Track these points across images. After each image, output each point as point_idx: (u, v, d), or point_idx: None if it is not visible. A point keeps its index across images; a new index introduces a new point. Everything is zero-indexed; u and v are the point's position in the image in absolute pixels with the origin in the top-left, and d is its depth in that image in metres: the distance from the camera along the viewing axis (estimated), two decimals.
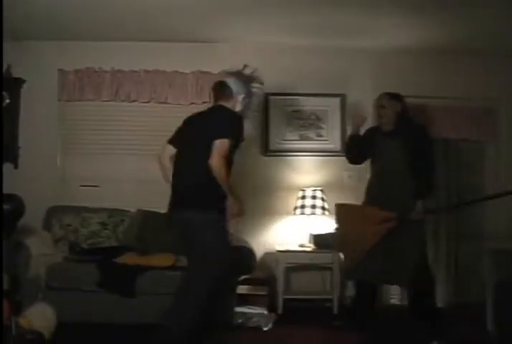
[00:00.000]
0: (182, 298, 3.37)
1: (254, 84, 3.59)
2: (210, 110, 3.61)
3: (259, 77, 3.64)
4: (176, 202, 3.45)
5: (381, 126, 4.21)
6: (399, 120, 4.12)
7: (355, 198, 4.40)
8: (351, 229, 4.01)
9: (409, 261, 3.87)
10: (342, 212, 4.19)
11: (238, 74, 3.60)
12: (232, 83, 3.54)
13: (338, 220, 4.19)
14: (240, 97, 3.53)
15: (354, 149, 4.33)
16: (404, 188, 3.98)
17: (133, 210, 4.82)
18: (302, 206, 4.84)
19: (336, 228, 4.21)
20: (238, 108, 3.53)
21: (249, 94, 3.55)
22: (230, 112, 3.48)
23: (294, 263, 4.79)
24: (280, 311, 4.64)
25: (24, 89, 4.98)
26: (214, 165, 3.26)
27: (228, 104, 3.53)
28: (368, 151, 4.23)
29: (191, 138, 3.47)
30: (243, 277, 4.31)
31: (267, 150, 5.11)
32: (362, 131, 4.37)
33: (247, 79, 3.57)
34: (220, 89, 3.58)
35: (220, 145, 3.28)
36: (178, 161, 3.52)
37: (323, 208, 4.78)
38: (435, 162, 4.27)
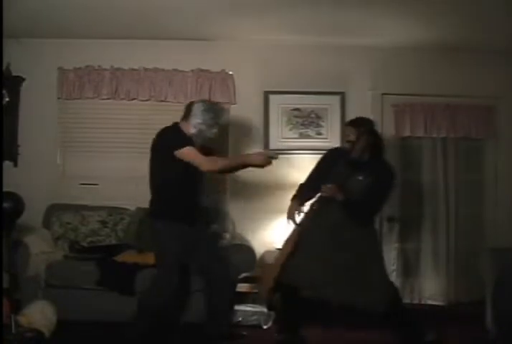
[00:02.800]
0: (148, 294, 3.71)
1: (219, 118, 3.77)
2: (167, 129, 3.78)
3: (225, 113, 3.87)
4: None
5: (348, 153, 3.70)
6: (368, 151, 3.65)
7: None
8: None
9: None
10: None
11: (207, 102, 3.83)
12: (196, 107, 3.72)
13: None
14: (195, 122, 3.70)
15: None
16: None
17: (132, 208, 4.82)
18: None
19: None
20: (192, 131, 3.70)
21: (207, 123, 3.71)
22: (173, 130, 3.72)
23: None
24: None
25: (24, 88, 4.98)
26: (206, 169, 3.61)
27: (183, 125, 3.73)
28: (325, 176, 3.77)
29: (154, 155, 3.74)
30: (243, 275, 4.31)
31: (267, 148, 5.09)
32: None
33: (213, 110, 3.75)
34: (186, 109, 3.80)
35: (186, 152, 3.56)
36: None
37: None
38: (385, 202, 3.79)
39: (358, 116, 3.85)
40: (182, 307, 4.03)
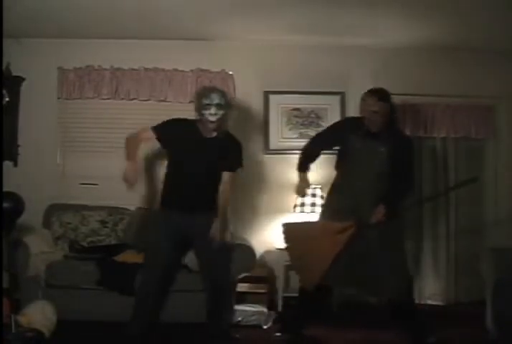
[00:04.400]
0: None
1: None
2: None
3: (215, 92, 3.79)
4: None
5: (366, 126, 3.74)
6: (386, 121, 3.72)
7: None
8: (305, 249, 3.69)
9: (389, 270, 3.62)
10: (291, 232, 3.85)
11: (199, 89, 3.99)
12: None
13: (288, 240, 3.85)
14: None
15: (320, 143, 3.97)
16: (373, 191, 3.66)
17: (132, 208, 4.82)
18: (302, 204, 4.84)
19: (288, 250, 3.89)
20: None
21: (199, 108, 3.76)
22: None
23: None
24: (279, 309, 4.66)
25: (24, 88, 4.98)
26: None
27: None
28: (335, 144, 3.91)
29: None
30: (242, 275, 4.31)
31: (267, 148, 5.11)
32: None
33: (200, 93, 3.80)
34: None
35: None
36: None
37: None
38: (414, 171, 3.94)
39: (375, 87, 3.83)
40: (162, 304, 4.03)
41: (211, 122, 3.66)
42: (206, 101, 3.65)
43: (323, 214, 3.95)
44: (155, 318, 3.85)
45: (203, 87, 3.87)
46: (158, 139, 3.76)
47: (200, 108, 3.67)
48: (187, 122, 3.78)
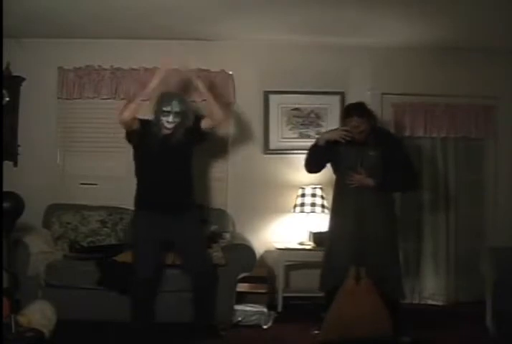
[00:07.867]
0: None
1: None
2: None
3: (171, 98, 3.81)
4: None
5: (360, 143, 3.85)
6: (371, 130, 3.85)
7: None
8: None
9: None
10: None
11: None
12: None
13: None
14: None
15: (315, 158, 4.00)
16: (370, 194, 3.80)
17: (132, 208, 4.80)
18: (302, 204, 4.84)
19: None
20: None
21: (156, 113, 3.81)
22: None
23: (293, 261, 4.80)
24: (279, 309, 4.65)
25: (24, 88, 4.97)
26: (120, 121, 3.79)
27: None
28: (330, 159, 3.97)
29: None
30: (242, 275, 4.31)
31: (266, 148, 5.11)
32: None
33: (157, 99, 3.85)
34: None
35: None
36: None
37: (323, 206, 4.78)
38: (414, 165, 4.06)
39: (352, 103, 3.95)
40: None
41: (167, 128, 3.73)
42: (165, 108, 3.70)
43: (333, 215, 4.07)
44: (151, 318, 3.85)
45: (164, 93, 3.84)
46: (135, 132, 3.76)
47: (158, 113, 3.72)
48: (148, 121, 3.80)
